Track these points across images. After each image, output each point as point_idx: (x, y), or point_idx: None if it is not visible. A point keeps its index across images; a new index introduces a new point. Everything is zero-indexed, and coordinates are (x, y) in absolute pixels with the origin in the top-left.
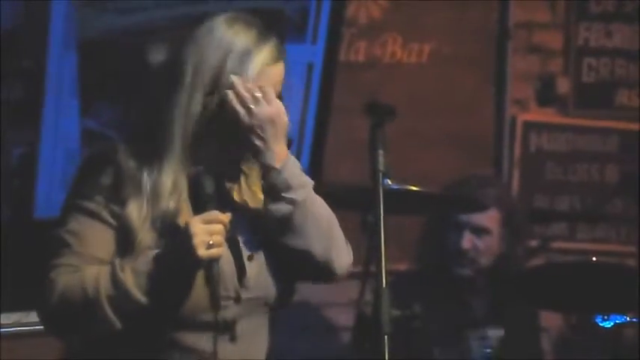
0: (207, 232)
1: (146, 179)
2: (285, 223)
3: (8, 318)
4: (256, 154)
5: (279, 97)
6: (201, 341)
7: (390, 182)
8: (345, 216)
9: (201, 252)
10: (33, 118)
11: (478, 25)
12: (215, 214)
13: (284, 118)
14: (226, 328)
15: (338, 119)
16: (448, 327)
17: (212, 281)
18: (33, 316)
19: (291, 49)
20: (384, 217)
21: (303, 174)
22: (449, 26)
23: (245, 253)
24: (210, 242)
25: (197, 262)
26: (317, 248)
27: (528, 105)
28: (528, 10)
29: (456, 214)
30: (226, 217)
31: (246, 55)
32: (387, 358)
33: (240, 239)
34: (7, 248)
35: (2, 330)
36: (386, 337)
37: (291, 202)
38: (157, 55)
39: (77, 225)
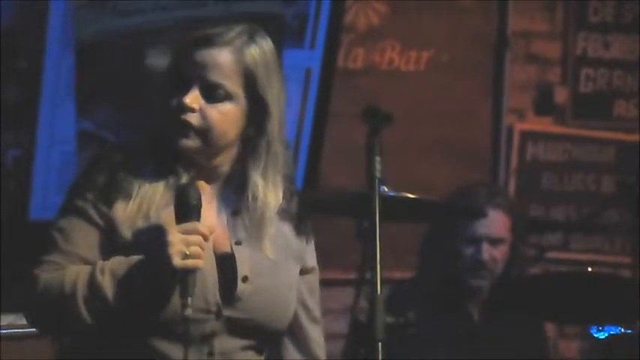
0: (185, 242)
1: (136, 184)
2: None
3: (2, 320)
4: None
5: (216, 85)
6: (177, 352)
7: (386, 189)
8: (341, 222)
9: (176, 261)
10: (29, 119)
11: (476, 34)
12: (195, 225)
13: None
14: (204, 342)
15: (335, 125)
16: (448, 335)
17: (185, 292)
18: None
19: (289, 54)
20: (379, 224)
21: None
22: (447, 34)
23: (242, 272)
24: (187, 252)
25: (171, 272)
26: None
27: (525, 114)
28: (527, 20)
29: (463, 225)
30: (207, 229)
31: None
32: None
33: (242, 259)
34: (2, 250)
35: None
36: (380, 344)
37: None
38: (155, 58)
39: (66, 223)
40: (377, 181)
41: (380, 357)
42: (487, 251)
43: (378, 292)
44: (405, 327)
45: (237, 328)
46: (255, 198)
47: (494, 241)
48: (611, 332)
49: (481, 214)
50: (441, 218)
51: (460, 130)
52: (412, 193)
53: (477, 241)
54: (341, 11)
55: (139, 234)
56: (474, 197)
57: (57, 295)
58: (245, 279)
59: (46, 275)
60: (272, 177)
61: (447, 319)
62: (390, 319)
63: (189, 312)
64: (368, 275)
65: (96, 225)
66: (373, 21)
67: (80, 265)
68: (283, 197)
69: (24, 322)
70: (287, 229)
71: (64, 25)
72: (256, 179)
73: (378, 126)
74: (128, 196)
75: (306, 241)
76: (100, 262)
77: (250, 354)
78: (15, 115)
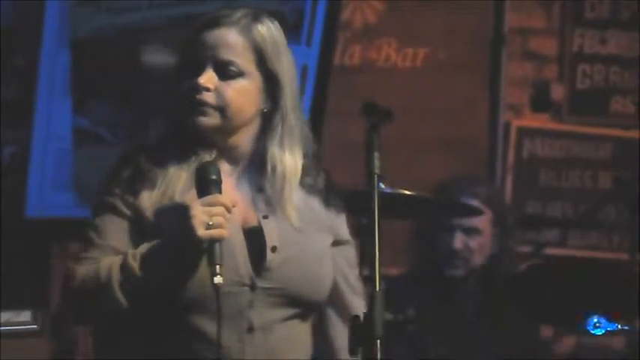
0: (207, 213)
1: (161, 173)
2: None
3: (1, 317)
4: None
5: (227, 63)
6: (215, 328)
7: (383, 186)
8: None
9: (200, 232)
10: (25, 116)
11: (473, 31)
12: (215, 196)
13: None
14: (242, 318)
15: (332, 122)
16: (439, 328)
17: (212, 260)
18: (24, 315)
19: None
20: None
21: None
22: (444, 31)
23: (270, 243)
24: (210, 223)
25: (197, 243)
26: None
27: (522, 111)
28: (523, 16)
29: (449, 218)
30: (228, 200)
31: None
32: None
33: (270, 231)
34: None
35: None
36: (378, 341)
37: None
38: (150, 55)
39: (98, 220)
40: (376, 177)
41: (379, 354)
42: (460, 240)
43: (377, 288)
44: (404, 324)
45: (273, 299)
46: (274, 168)
47: (468, 231)
48: (609, 329)
49: (477, 212)
50: (437, 215)
51: (457, 126)
52: (409, 190)
53: (450, 230)
54: (337, 8)
55: (164, 216)
56: (454, 189)
57: (94, 284)
58: (274, 249)
59: (82, 269)
60: (288, 146)
61: (439, 313)
62: (388, 316)
63: (219, 279)
64: (366, 272)
65: (125, 216)
66: (370, 18)
67: (114, 257)
68: (309, 174)
69: (18, 319)
70: (315, 203)
71: (61, 23)
72: (273, 150)
73: (377, 122)
74: (153, 185)
75: (337, 214)
76: (131, 250)
77: (295, 322)
78: (12, 112)
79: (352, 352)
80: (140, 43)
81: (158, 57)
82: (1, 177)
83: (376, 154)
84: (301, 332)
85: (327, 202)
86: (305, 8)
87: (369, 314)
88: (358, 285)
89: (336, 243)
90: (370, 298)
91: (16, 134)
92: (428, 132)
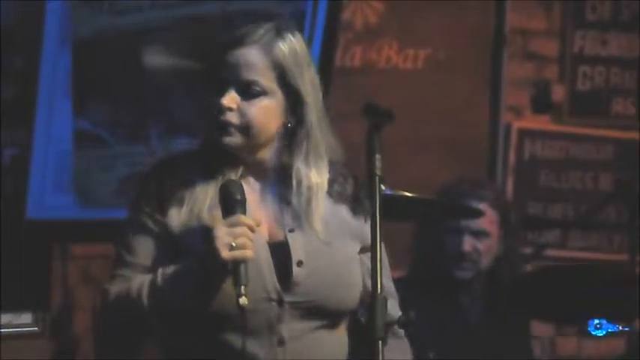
0: (230, 235)
1: (188, 190)
2: None
3: (2, 319)
4: None
5: (249, 83)
6: (249, 344)
7: (383, 187)
8: None
9: (224, 254)
10: (26, 118)
11: (474, 31)
12: (239, 217)
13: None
14: (272, 332)
15: (333, 124)
16: (442, 331)
17: (238, 281)
18: (25, 318)
19: None
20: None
21: None
22: (445, 32)
23: (296, 257)
24: (233, 244)
25: (222, 264)
26: None
27: (523, 112)
28: (524, 17)
29: (454, 220)
30: (252, 220)
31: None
32: None
33: (296, 245)
34: (0, 249)
35: None
36: (380, 342)
37: None
38: (152, 57)
39: (128, 238)
40: (377, 178)
41: (380, 356)
42: (468, 242)
43: (379, 290)
44: (405, 326)
45: (302, 312)
46: (299, 182)
47: (476, 233)
48: (609, 330)
49: (479, 213)
50: (439, 216)
51: (458, 128)
52: (409, 192)
53: (458, 232)
54: (338, 10)
55: (192, 237)
56: (458, 191)
57: (125, 304)
58: (300, 263)
59: (115, 288)
60: (314, 162)
61: (445, 315)
62: (390, 318)
63: (244, 300)
64: None
65: (155, 234)
66: (371, 19)
67: (144, 275)
68: (337, 181)
69: (18, 321)
70: (343, 210)
71: (62, 24)
72: (299, 165)
73: (378, 123)
74: (181, 203)
75: (365, 220)
76: (160, 270)
77: (326, 331)
78: (12, 113)
79: (354, 353)
80: (142, 45)
81: (159, 58)
82: (2, 179)
83: (377, 156)
84: (334, 339)
85: (356, 209)
86: (306, 9)
87: (370, 316)
88: (390, 286)
89: (366, 249)
90: (371, 301)
91: (17, 136)
92: (429, 133)
